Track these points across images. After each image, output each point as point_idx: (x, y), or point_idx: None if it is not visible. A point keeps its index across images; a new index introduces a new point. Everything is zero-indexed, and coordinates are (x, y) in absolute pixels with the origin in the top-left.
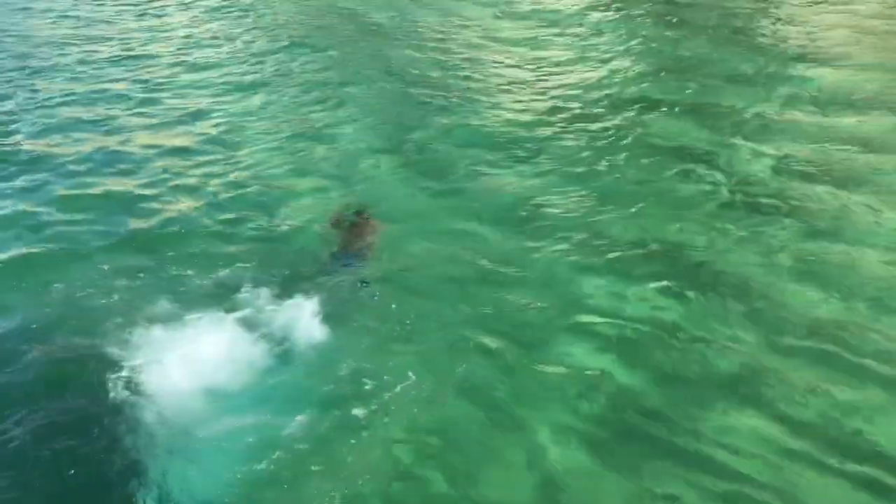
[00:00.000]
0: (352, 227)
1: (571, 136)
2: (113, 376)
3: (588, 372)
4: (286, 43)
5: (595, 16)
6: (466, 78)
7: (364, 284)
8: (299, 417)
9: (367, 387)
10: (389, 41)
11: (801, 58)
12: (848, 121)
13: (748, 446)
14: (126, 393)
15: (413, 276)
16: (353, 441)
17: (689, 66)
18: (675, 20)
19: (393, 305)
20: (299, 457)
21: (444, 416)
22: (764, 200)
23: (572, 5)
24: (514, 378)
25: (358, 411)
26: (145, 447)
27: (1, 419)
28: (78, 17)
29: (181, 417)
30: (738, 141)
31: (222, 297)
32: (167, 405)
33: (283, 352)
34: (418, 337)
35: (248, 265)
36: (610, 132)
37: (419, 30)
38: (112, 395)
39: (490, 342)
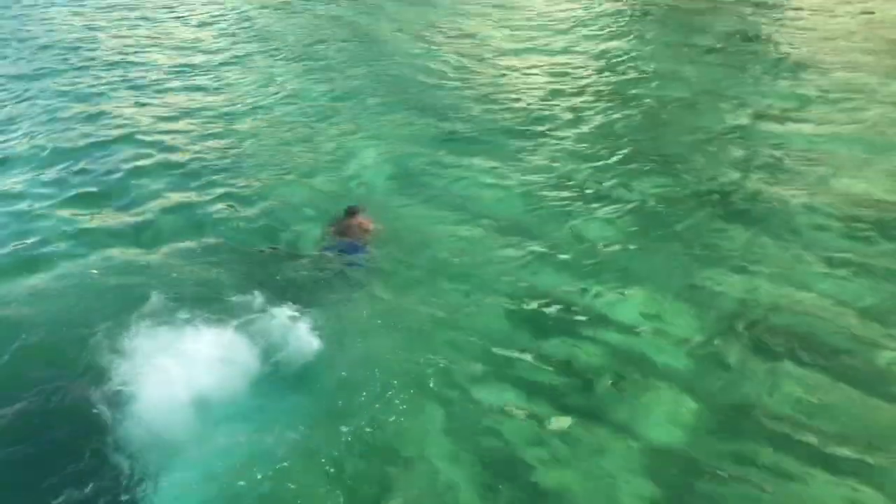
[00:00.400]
0: (348, 224)
1: (559, 142)
2: (103, 384)
3: (589, 375)
4: (282, 52)
5: (590, 29)
6: (458, 86)
7: (358, 266)
8: (288, 428)
9: (360, 399)
10: (388, 53)
11: (780, 69)
12: (824, 128)
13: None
14: (115, 401)
15: (408, 279)
16: (342, 456)
17: (675, 73)
18: (665, 30)
19: (387, 310)
20: (286, 470)
21: (436, 429)
22: (744, 206)
23: (569, 17)
24: (507, 388)
25: (347, 426)
26: (133, 456)
27: None
28: (82, 26)
29: (169, 427)
30: (719, 148)
31: (216, 303)
32: (156, 414)
33: (276, 359)
34: (411, 345)
35: (242, 270)
36: (595, 139)
37: (415, 40)
38: (102, 403)
39: (485, 351)
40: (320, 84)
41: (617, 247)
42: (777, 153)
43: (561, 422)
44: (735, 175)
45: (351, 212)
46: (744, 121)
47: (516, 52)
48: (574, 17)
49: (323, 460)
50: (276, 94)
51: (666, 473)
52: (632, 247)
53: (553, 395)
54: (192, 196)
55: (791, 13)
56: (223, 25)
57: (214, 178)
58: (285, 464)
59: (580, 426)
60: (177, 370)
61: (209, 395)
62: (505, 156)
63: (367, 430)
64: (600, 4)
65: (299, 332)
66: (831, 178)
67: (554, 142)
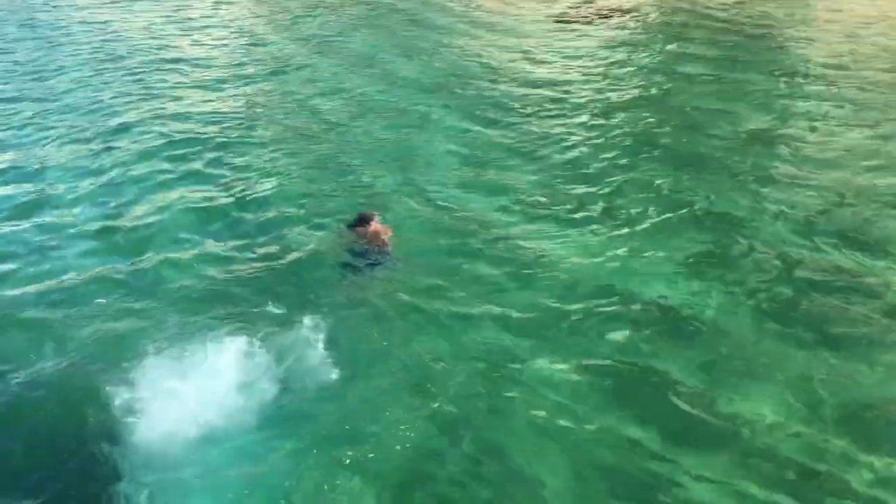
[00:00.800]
0: (363, 231)
1: (569, 162)
2: (112, 408)
3: (605, 398)
4: (290, 63)
5: (603, 51)
6: (470, 105)
7: (377, 277)
8: (297, 455)
9: (372, 427)
10: (403, 74)
11: (797, 88)
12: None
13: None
14: (124, 425)
15: (425, 292)
16: (350, 480)
17: (694, 95)
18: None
19: (405, 325)
20: (295, 494)
21: (448, 464)
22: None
23: (581, 41)
24: (522, 424)
25: (358, 451)
26: (140, 481)
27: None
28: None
29: (180, 450)
30: (729, 169)
31: (230, 320)
32: (166, 437)
33: (291, 379)
34: (427, 364)
35: (258, 283)
36: (605, 159)
37: (424, 61)
38: (110, 427)
39: (500, 370)
40: (333, 100)
41: (625, 263)
42: (788, 178)
43: (577, 447)
44: (743, 192)
45: (365, 219)
46: (754, 140)
47: (527, 73)
48: (584, 38)
49: (332, 486)
50: (293, 108)
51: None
52: (635, 261)
53: (570, 421)
54: (207, 208)
55: (809, 34)
56: (237, 44)
57: (230, 189)
58: (294, 489)
59: (600, 452)
60: (189, 392)
61: (221, 418)
62: (516, 171)
63: (371, 455)
64: (610, 29)
65: (316, 352)
66: (838, 201)
67: (562, 162)
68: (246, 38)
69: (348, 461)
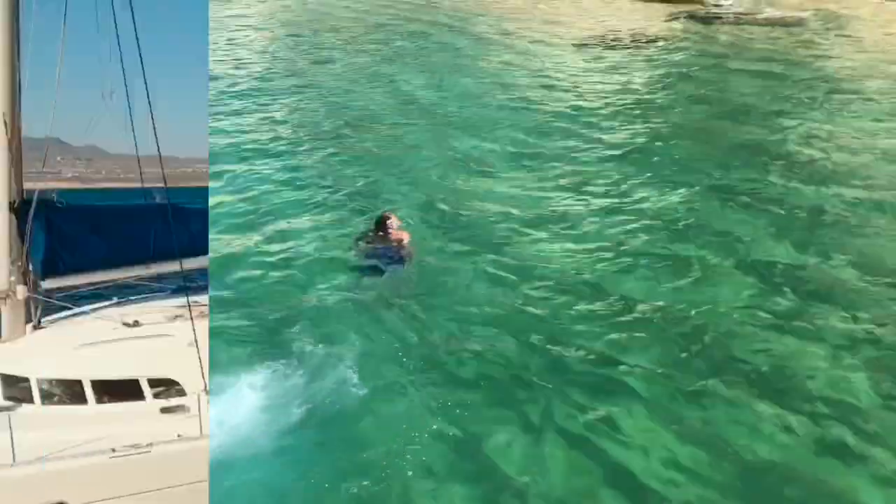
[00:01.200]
0: (382, 234)
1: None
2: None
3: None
4: (307, 83)
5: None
6: (482, 114)
7: (401, 269)
8: (315, 470)
9: (389, 440)
10: (428, 97)
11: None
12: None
13: None
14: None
15: (445, 296)
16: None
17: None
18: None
19: (423, 332)
20: None
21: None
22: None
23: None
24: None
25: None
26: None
27: None
28: None
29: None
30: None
31: (249, 336)
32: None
33: (309, 401)
34: (449, 377)
35: (274, 296)
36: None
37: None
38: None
39: (519, 386)
40: (347, 116)
41: (641, 277)
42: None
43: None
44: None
45: (385, 222)
46: (782, 167)
47: (546, 94)
48: (601, 62)
49: None
50: (310, 123)
51: None
52: (646, 274)
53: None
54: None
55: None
56: (263, 66)
57: (249, 202)
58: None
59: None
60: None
61: (240, 434)
62: (528, 184)
63: (389, 470)
64: (630, 54)
65: (339, 361)
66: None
67: (575, 177)
68: (273, 61)
69: (367, 477)
